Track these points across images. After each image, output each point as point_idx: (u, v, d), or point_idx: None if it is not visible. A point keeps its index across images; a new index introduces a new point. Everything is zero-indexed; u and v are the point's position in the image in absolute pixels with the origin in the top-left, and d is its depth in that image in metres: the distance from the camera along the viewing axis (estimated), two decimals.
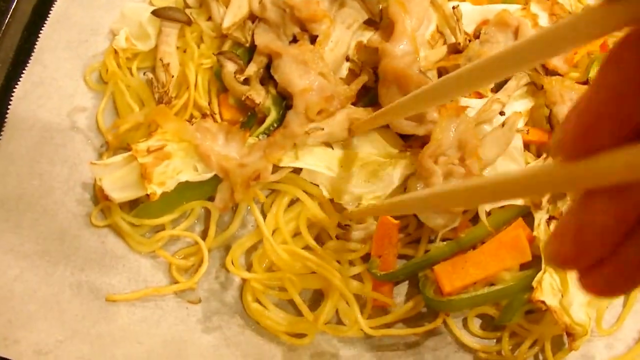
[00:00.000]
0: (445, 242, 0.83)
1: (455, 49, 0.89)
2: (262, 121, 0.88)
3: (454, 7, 0.90)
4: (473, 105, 0.85)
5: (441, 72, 0.90)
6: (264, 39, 0.88)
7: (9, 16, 0.91)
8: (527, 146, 0.86)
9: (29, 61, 0.92)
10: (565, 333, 0.78)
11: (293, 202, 0.88)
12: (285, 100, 0.87)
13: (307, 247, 0.85)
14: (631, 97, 0.28)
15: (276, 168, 0.84)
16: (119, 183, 0.83)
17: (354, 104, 0.87)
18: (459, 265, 0.81)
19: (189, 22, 0.94)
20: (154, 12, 0.93)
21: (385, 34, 0.87)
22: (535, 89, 0.89)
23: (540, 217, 0.82)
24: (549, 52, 0.37)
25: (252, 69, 0.88)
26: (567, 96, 0.84)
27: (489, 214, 0.84)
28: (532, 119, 0.89)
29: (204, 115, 0.88)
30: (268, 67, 0.88)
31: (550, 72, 0.88)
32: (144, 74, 0.94)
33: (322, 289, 0.85)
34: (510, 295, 0.81)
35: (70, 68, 0.95)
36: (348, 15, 0.89)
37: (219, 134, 0.85)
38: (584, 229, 0.30)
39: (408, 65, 0.81)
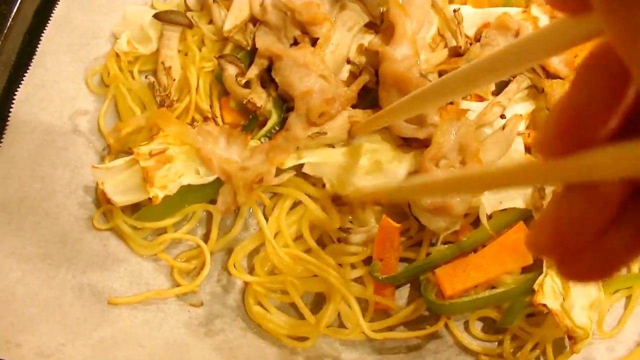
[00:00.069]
0: (446, 245, 0.83)
1: (456, 52, 0.89)
2: (263, 124, 0.88)
3: (454, 10, 0.90)
4: (474, 108, 0.85)
5: (442, 76, 0.90)
6: (264, 41, 0.88)
7: (10, 19, 0.91)
8: (528, 149, 0.86)
9: (31, 64, 0.91)
10: (566, 336, 0.78)
11: (295, 205, 0.88)
12: (286, 103, 0.87)
13: (308, 250, 0.85)
14: (604, 99, 0.29)
15: (279, 170, 0.84)
16: (120, 186, 0.83)
17: (355, 105, 0.87)
18: (460, 269, 0.81)
19: (190, 26, 0.94)
20: (156, 16, 0.93)
21: (386, 37, 0.87)
22: (536, 92, 0.89)
23: None
24: (548, 51, 0.37)
25: (253, 72, 0.88)
26: None
27: (490, 217, 0.84)
28: (533, 122, 0.89)
29: (205, 119, 0.88)
30: (269, 70, 0.88)
31: (551, 75, 0.88)
32: (146, 77, 0.94)
33: (324, 292, 0.85)
34: (512, 298, 0.81)
35: (71, 71, 0.95)
36: (349, 18, 0.89)
37: (221, 137, 0.85)
38: (561, 220, 0.31)
39: (408, 68, 0.81)
